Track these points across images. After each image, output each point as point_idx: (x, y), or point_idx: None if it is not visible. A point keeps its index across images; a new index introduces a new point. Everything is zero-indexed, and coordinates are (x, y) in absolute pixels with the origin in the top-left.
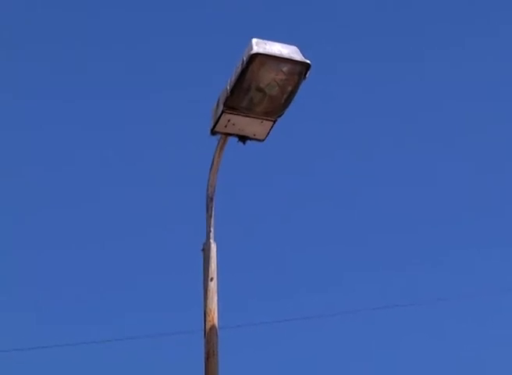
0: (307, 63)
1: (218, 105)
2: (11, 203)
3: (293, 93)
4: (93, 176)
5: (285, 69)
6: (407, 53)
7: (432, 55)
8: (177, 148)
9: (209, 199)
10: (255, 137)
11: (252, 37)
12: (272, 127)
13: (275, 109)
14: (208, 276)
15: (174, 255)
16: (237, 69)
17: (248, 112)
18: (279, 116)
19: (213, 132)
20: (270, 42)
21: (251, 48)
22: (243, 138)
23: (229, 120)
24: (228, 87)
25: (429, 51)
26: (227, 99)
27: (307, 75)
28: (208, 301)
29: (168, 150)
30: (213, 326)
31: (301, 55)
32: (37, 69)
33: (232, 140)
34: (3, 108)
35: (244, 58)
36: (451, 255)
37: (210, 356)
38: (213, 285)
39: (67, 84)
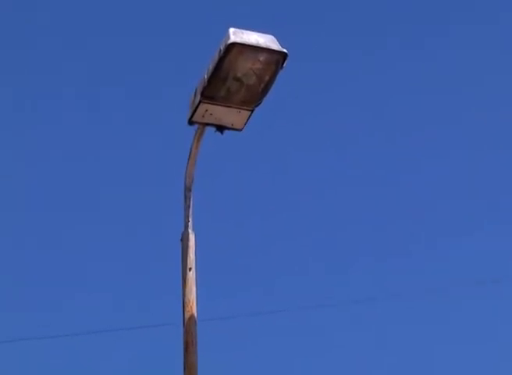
0: (284, 52)
1: (195, 94)
2: (11, 203)
3: (270, 82)
4: (92, 175)
5: (262, 58)
6: (406, 53)
7: (432, 55)
8: (155, 139)
9: (187, 189)
10: (233, 126)
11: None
12: (249, 117)
13: (252, 99)
14: (186, 266)
15: (153, 245)
16: (214, 58)
17: (225, 101)
18: (257, 106)
19: (190, 122)
20: (247, 31)
21: (228, 38)
22: (220, 128)
23: (206, 110)
24: (205, 77)
25: (429, 51)
26: (204, 89)
27: (284, 64)
28: (186, 291)
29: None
30: (192, 317)
31: (278, 44)
32: (37, 69)
33: (210, 130)
34: (3, 108)
35: (221, 48)
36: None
37: (189, 346)
38: (192, 275)
39: (67, 84)
